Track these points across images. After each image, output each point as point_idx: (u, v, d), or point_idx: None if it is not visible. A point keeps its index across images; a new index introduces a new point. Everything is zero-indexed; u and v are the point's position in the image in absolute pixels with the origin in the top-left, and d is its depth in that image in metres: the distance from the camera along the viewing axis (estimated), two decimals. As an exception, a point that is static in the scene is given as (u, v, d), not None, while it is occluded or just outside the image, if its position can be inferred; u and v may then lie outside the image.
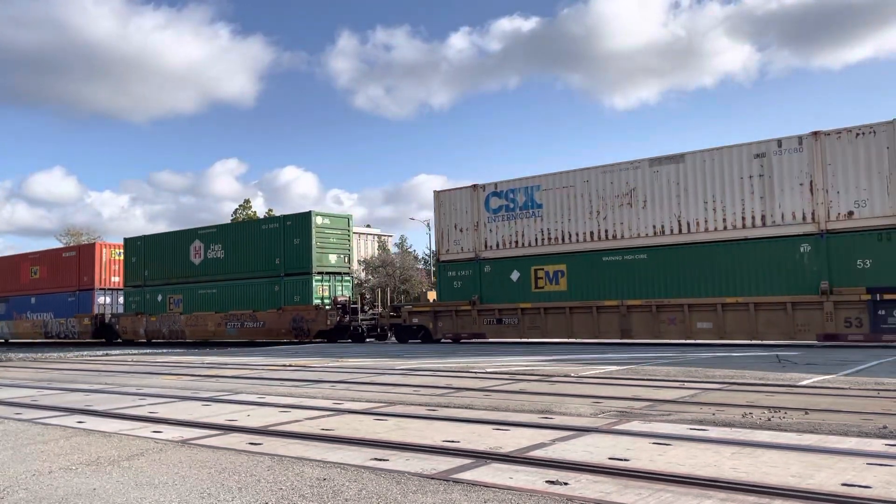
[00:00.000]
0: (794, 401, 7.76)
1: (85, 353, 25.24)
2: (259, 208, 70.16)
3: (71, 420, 7.64)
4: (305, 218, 28.93)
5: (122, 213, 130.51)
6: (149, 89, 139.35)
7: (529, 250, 23.07)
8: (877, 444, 5.24)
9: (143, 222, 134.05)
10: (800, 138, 18.65)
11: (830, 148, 18.11)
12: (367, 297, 32.48)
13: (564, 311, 21.79)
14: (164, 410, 8.19)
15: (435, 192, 25.40)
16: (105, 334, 36.64)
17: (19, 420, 7.74)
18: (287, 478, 4.62)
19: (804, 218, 18.39)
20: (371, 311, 29.39)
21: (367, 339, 27.83)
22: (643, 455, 5.03)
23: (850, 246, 17.71)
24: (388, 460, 5.06)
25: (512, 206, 23.67)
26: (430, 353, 17.94)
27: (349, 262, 29.81)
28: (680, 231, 20.33)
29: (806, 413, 6.85)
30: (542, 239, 22.87)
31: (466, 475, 4.55)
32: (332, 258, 29.31)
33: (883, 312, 16.89)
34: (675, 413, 7.05)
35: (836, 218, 17.98)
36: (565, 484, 4.28)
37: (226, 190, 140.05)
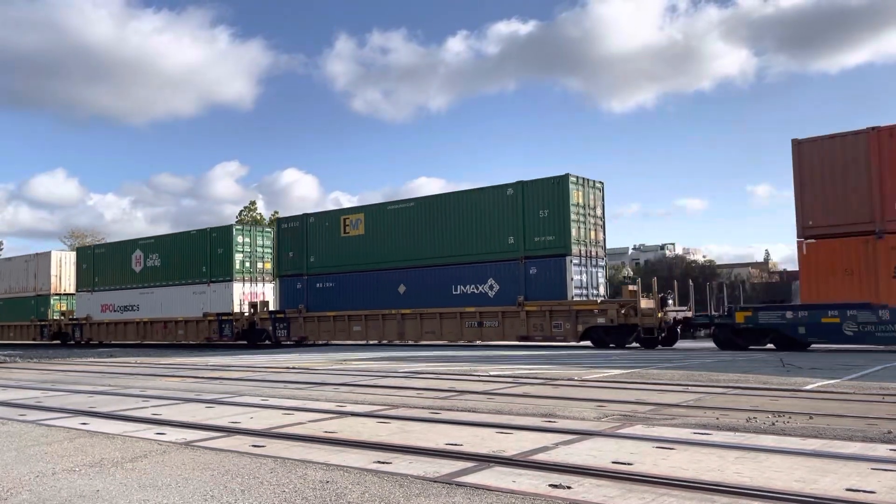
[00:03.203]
0: (799, 405, 7.74)
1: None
2: (260, 211, 70.07)
3: (75, 422, 7.66)
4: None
5: (123, 216, 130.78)
6: (148, 92, 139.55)
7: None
8: (881, 450, 5.22)
9: (144, 225, 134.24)
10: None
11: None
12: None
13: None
14: (167, 412, 8.20)
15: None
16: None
17: (23, 421, 7.76)
18: (290, 480, 4.62)
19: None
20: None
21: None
22: (647, 459, 5.02)
23: None
24: (390, 463, 5.06)
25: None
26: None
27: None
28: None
29: (810, 418, 6.82)
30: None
31: (469, 479, 4.55)
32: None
33: None
34: (679, 417, 7.03)
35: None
36: (568, 488, 4.27)
37: (226, 192, 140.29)
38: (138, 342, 34.95)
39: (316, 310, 27.72)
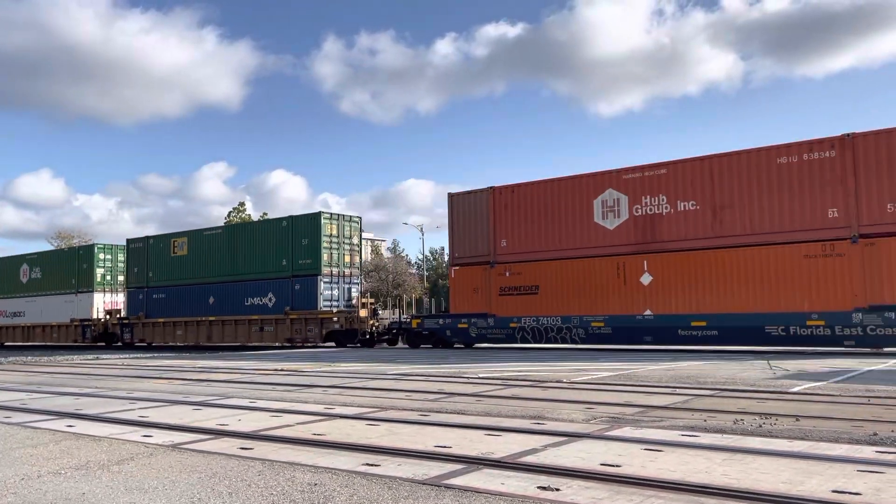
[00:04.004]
0: (786, 407, 7.79)
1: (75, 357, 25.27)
2: (249, 212, 69.77)
3: (60, 424, 7.59)
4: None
5: (110, 217, 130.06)
6: (135, 92, 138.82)
7: None
8: (867, 451, 5.26)
9: (131, 226, 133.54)
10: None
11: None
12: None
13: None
14: (154, 414, 8.15)
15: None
16: None
17: (8, 423, 7.68)
18: (278, 483, 4.60)
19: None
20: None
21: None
22: (635, 461, 5.03)
23: None
24: (379, 465, 5.05)
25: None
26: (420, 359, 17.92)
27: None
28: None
29: (797, 420, 6.87)
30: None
31: (458, 481, 4.54)
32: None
33: None
34: (667, 419, 7.06)
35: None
36: (557, 490, 4.27)
37: (214, 193, 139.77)
38: (24, 343, 41.09)
39: (152, 317, 33.82)
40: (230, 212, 69.44)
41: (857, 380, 10.69)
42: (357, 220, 29.81)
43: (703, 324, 19.23)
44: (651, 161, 21.02)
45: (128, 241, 36.37)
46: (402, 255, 74.06)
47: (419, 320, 25.75)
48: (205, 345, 31.24)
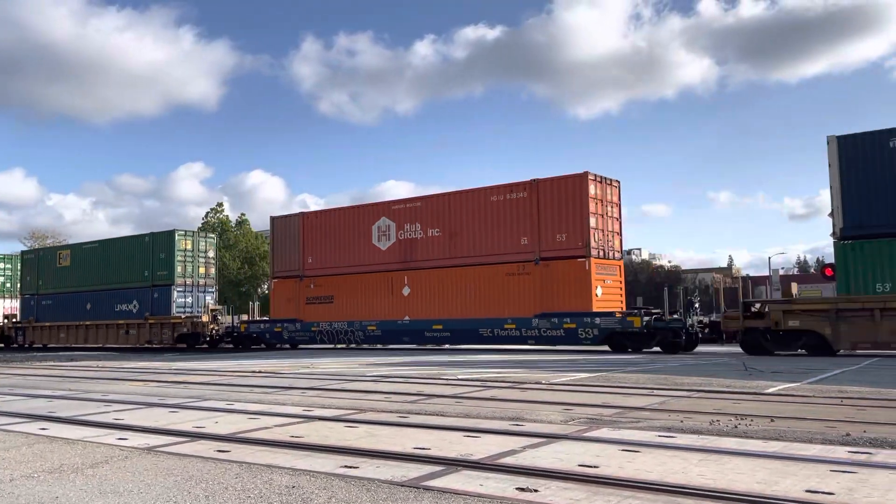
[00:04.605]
0: (761, 408, 7.88)
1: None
2: (227, 213, 69.17)
3: (34, 427, 7.47)
4: None
5: (84, 217, 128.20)
6: (110, 91, 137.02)
7: None
8: (840, 452, 5.34)
9: (106, 226, 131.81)
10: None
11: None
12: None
13: None
14: (129, 417, 8.05)
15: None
16: None
17: (-21, 427, 7.55)
18: (255, 486, 4.57)
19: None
20: None
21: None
22: (612, 462, 5.06)
23: None
24: (358, 468, 5.03)
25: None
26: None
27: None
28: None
29: (772, 420, 6.96)
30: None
31: (437, 482, 4.54)
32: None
33: None
34: (645, 420, 7.12)
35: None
36: (535, 491, 4.29)
37: (190, 194, 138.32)
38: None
39: (41, 321, 36.53)
40: (207, 212, 68.71)
41: (830, 381, 10.86)
42: (213, 237, 34.83)
43: (441, 327, 23.70)
44: (512, 181, 23.47)
45: (22, 252, 41.61)
46: None
47: (246, 325, 30.17)
48: (83, 346, 34.40)
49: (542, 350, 21.85)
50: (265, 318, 32.11)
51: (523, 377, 12.13)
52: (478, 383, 11.29)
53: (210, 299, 32.52)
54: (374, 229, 25.80)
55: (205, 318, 30.59)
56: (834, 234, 17.98)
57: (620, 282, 22.63)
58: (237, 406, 8.85)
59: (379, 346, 25.81)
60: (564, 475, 4.66)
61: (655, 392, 9.68)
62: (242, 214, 68.96)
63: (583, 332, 20.81)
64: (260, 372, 14.69)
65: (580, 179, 21.44)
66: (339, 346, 26.56)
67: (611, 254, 22.07)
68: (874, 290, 17.09)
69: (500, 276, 22.42)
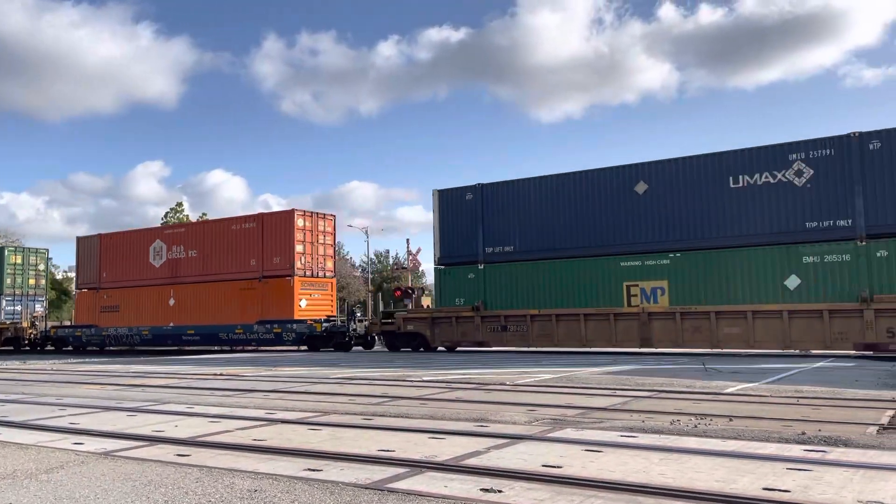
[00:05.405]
0: (720, 408, 8.03)
1: None
2: (187, 213, 68.10)
3: (-16, 432, 7.25)
4: None
5: (38, 216, 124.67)
6: (65, 88, 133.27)
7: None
8: (796, 450, 5.47)
9: (61, 225, 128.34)
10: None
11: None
12: None
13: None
14: (85, 421, 7.86)
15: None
16: None
17: (-73, 432, 7.30)
18: (216, 490, 4.50)
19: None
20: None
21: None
22: (576, 462, 5.11)
23: None
24: (321, 470, 4.99)
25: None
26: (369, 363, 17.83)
27: None
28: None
29: (730, 420, 7.09)
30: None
31: (401, 484, 4.53)
32: None
33: None
34: (607, 420, 7.20)
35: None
36: (499, 492, 4.31)
37: (149, 193, 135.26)
38: None
39: None
40: (167, 212, 67.70)
41: (787, 381, 11.12)
42: (44, 251, 37.65)
43: (193, 332, 28.94)
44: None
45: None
46: (347, 257, 73.48)
47: (56, 329, 34.66)
48: None
49: (261, 350, 27.83)
50: (70, 323, 36.39)
51: (488, 378, 12.17)
52: (443, 385, 11.30)
53: (40, 307, 36.62)
54: (151, 250, 30.92)
55: (25, 324, 34.49)
56: (435, 261, 24.18)
57: (331, 295, 28.33)
58: (198, 409, 8.70)
59: (150, 347, 31.43)
60: (528, 475, 4.69)
61: (618, 393, 9.80)
62: (204, 214, 68.01)
63: (286, 335, 26.28)
64: (221, 375, 14.47)
65: (289, 215, 27.33)
66: (124, 347, 32.10)
67: (320, 273, 27.75)
68: (454, 303, 23.41)
69: (235, 291, 27.85)
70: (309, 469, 5.04)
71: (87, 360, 24.57)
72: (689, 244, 19.73)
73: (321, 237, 27.80)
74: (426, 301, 26.62)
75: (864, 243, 17.45)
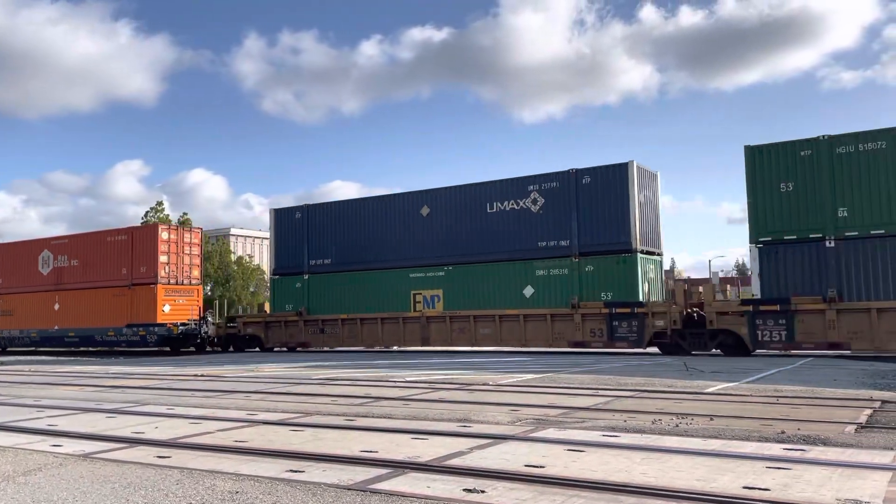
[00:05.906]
0: (701, 407, 8.10)
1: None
2: (168, 212, 67.37)
3: (-40, 434, 7.14)
4: None
5: (15, 215, 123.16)
6: (42, 85, 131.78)
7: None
8: (775, 449, 5.52)
9: (38, 225, 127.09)
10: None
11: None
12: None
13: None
14: (64, 423, 7.77)
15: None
16: None
17: None
18: (197, 492, 4.46)
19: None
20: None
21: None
22: (558, 462, 5.12)
23: None
24: (303, 472, 4.96)
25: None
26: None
27: None
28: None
29: (711, 419, 7.15)
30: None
31: (384, 485, 4.52)
32: None
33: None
34: (589, 420, 7.23)
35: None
36: (482, 492, 4.31)
37: (128, 192, 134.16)
38: None
39: None
40: (147, 211, 66.90)
41: (767, 380, 11.22)
42: None
43: (73, 335, 30.80)
44: None
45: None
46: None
47: None
48: None
49: (129, 351, 29.77)
50: None
51: (472, 378, 12.18)
52: (426, 385, 11.29)
53: None
54: (39, 259, 32.89)
55: None
56: (270, 272, 29.28)
57: (196, 300, 30.14)
58: (178, 411, 8.62)
59: (34, 347, 33.53)
60: (511, 475, 4.69)
61: (600, 392, 9.84)
62: (184, 214, 67.34)
63: (149, 336, 28.65)
64: (202, 376, 14.35)
65: (154, 228, 30.14)
66: (22, 349, 33.99)
67: (185, 280, 29.76)
68: (285, 309, 27.48)
69: (109, 297, 29.78)
70: (291, 470, 5.01)
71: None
72: (458, 259, 23.76)
73: (187, 248, 30.43)
74: (268, 306, 30.25)
75: (577, 259, 21.79)
